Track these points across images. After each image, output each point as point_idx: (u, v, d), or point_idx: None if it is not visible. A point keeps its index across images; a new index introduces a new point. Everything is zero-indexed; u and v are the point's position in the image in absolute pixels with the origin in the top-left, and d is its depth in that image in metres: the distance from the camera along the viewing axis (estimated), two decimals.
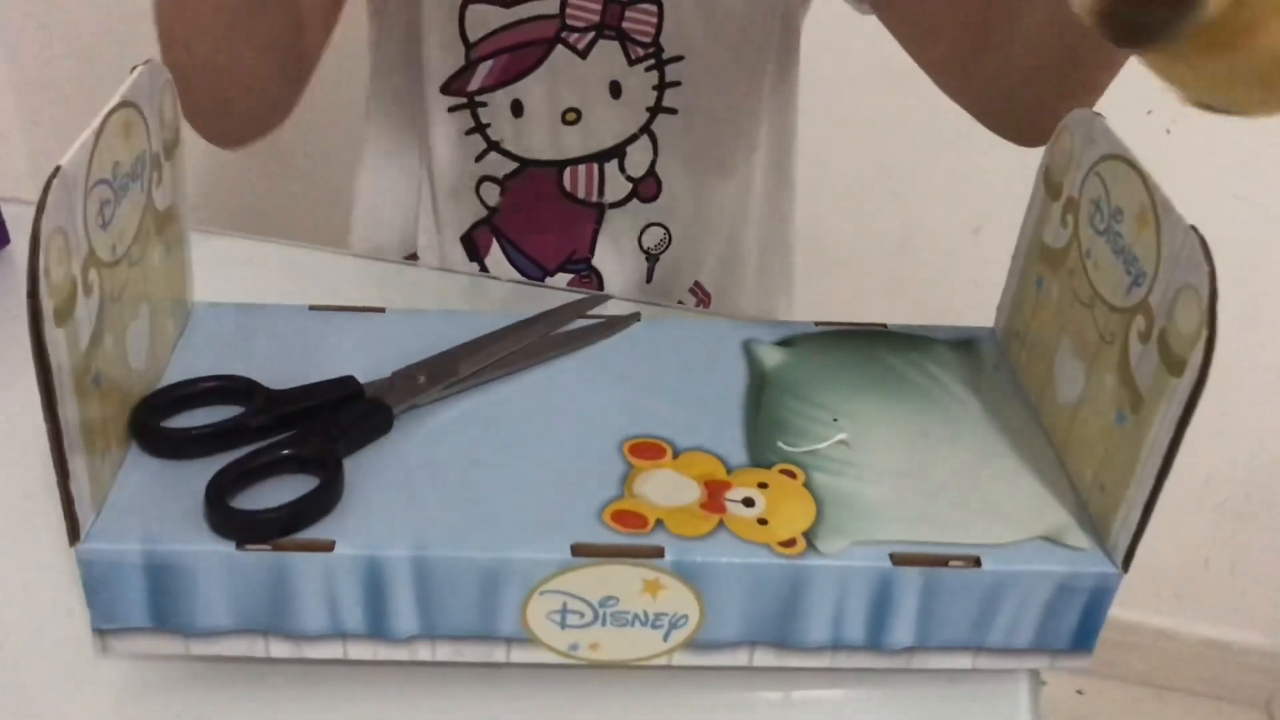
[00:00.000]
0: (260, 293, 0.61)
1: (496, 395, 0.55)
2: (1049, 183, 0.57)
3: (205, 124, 0.72)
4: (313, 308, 0.60)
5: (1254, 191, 1.32)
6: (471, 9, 0.75)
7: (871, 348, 0.60)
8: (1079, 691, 1.69)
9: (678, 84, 0.79)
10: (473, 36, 0.77)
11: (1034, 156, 0.59)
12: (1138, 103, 1.27)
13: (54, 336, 0.41)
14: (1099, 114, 0.53)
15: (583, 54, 0.77)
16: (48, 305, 0.40)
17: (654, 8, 0.76)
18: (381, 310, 0.60)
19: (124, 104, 0.47)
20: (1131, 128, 0.51)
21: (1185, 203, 0.46)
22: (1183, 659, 1.69)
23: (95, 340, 0.45)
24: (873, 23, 1.18)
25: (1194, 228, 0.44)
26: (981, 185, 1.21)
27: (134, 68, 0.49)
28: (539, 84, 0.78)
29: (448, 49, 0.77)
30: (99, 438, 0.46)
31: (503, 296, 0.76)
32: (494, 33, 0.76)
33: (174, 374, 0.54)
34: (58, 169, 0.41)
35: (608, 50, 0.77)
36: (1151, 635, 1.68)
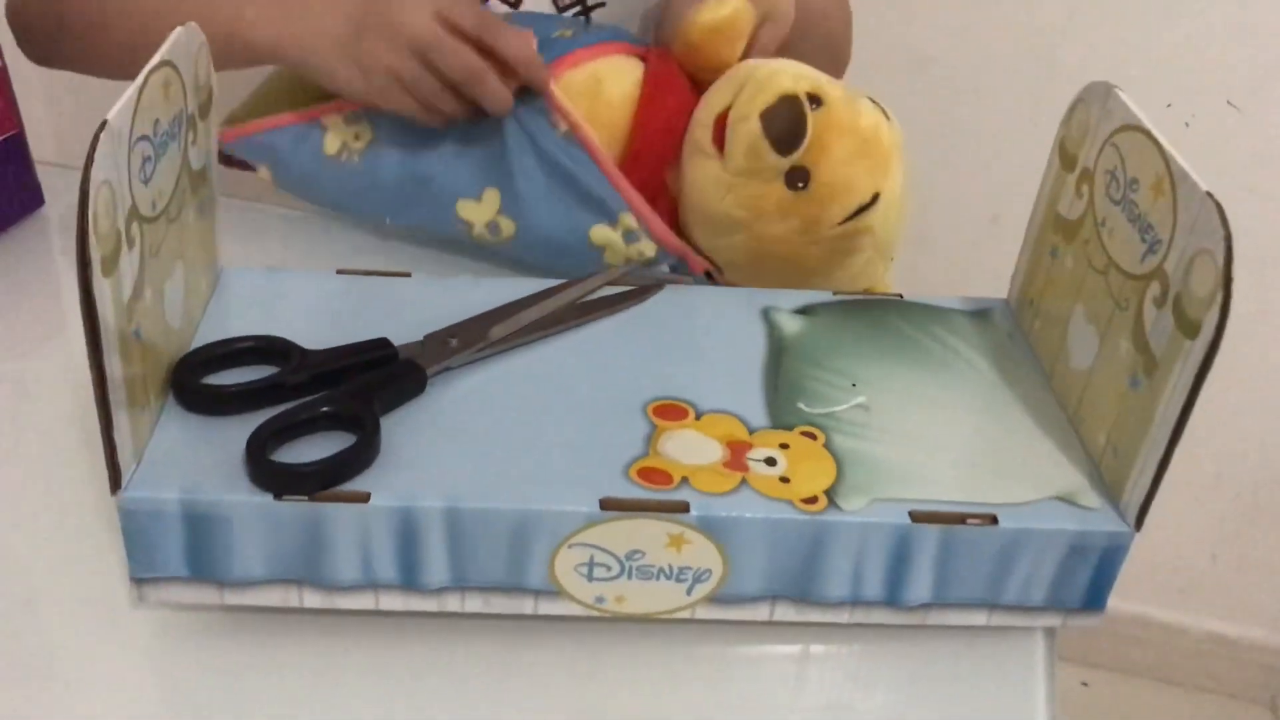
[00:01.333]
0: (278, 258, 0.62)
1: (525, 359, 0.56)
2: (1064, 155, 0.58)
3: (35, 53, 0.82)
4: (340, 272, 0.61)
5: (1272, 186, 1.33)
6: None
7: (887, 316, 0.61)
8: (1084, 683, 1.69)
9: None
10: None
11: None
12: (1158, 96, 1.28)
13: (101, 287, 0.42)
14: (1115, 86, 0.54)
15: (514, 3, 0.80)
16: (95, 255, 0.41)
17: None
18: (408, 275, 0.61)
19: (163, 63, 0.48)
20: (1151, 121, 0.52)
21: None
22: (1188, 653, 1.70)
23: (136, 294, 0.46)
24: (890, 12, 1.19)
25: (1210, 194, 0.45)
26: (1000, 174, 1.22)
27: None
28: None
29: None
30: (139, 391, 0.47)
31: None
32: None
33: (207, 334, 0.55)
34: (104, 123, 0.42)
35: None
36: (1158, 629, 1.68)
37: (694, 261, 0.68)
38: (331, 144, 0.72)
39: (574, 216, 0.68)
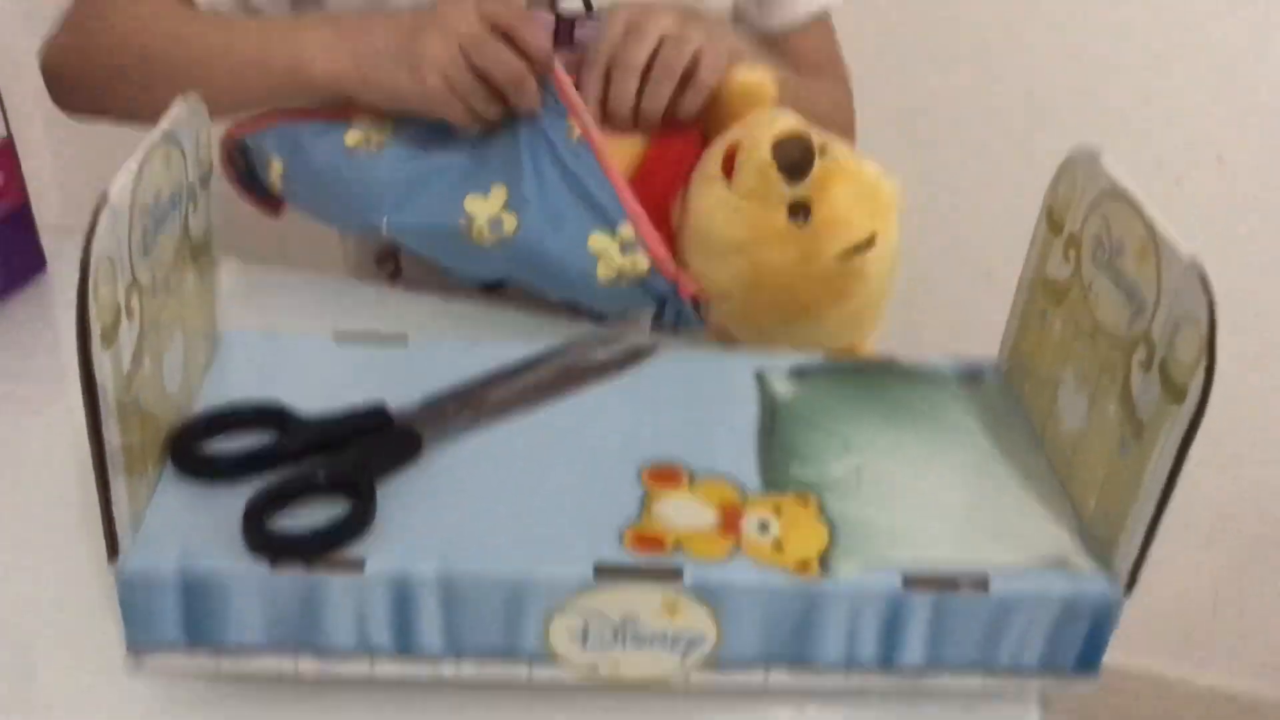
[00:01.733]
0: (274, 320, 0.63)
1: (521, 423, 0.56)
2: (1051, 219, 0.59)
3: (72, 103, 0.84)
4: (337, 336, 0.62)
5: (1261, 240, 1.34)
6: None
7: (880, 379, 0.62)
8: None
9: None
10: None
11: None
12: (1148, 153, 1.30)
13: (100, 359, 0.42)
14: (1099, 152, 0.55)
15: None
16: (95, 327, 0.42)
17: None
18: (404, 337, 0.62)
19: (165, 136, 0.49)
20: (1142, 178, 0.53)
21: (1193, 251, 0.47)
22: (1190, 708, 1.69)
23: (136, 364, 0.46)
24: (880, 66, 1.21)
25: (1195, 260, 0.46)
26: (994, 229, 1.23)
27: None
28: None
29: None
30: (137, 459, 0.47)
31: (519, 326, 0.78)
32: None
33: (206, 400, 0.56)
34: (104, 197, 0.43)
35: None
36: (1157, 683, 1.67)
37: (685, 283, 0.69)
38: (353, 137, 0.74)
39: (576, 218, 0.69)
